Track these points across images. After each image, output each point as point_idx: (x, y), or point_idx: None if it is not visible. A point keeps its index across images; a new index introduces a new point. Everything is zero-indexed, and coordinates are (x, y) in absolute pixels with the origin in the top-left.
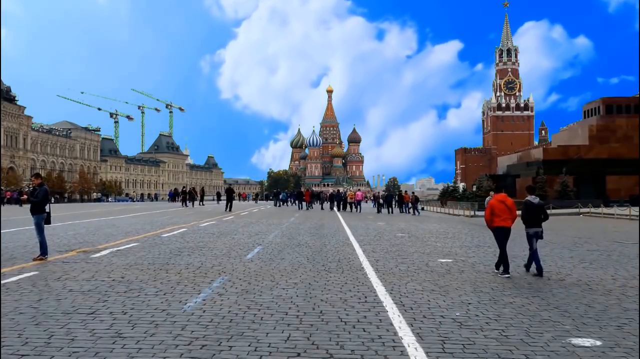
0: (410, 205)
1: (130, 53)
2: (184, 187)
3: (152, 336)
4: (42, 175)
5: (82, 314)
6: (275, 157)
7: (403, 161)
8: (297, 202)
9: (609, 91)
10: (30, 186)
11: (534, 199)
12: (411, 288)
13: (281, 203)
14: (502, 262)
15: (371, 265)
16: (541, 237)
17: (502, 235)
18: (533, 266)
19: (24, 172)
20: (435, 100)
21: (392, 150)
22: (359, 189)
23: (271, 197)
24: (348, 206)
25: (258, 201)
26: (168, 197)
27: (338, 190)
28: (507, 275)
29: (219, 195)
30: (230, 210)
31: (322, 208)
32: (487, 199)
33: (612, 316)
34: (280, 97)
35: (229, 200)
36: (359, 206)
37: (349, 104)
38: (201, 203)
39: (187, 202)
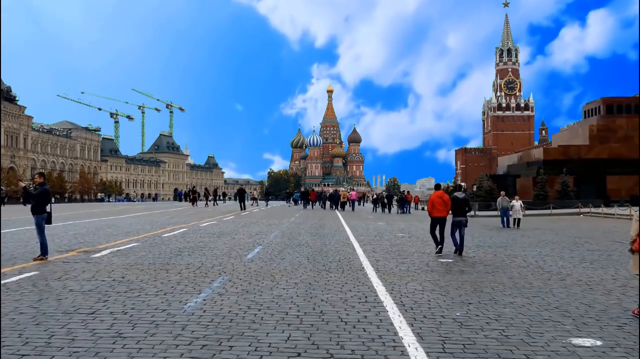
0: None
1: (130, 53)
2: (194, 187)
3: (152, 336)
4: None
5: (82, 314)
6: (314, 105)
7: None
8: (302, 201)
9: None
10: (31, 185)
11: (460, 194)
12: (411, 287)
13: (293, 203)
14: (439, 242)
15: (371, 265)
16: (465, 225)
17: (437, 222)
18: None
19: (24, 172)
20: None
21: (461, 98)
22: (353, 189)
23: (270, 198)
24: (342, 205)
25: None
26: (178, 196)
27: (336, 190)
28: (439, 253)
29: (224, 195)
30: (244, 209)
31: (323, 207)
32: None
33: (613, 316)
34: (324, 4)
35: (242, 200)
36: (352, 205)
37: (416, 21)
38: (215, 203)
39: (207, 201)
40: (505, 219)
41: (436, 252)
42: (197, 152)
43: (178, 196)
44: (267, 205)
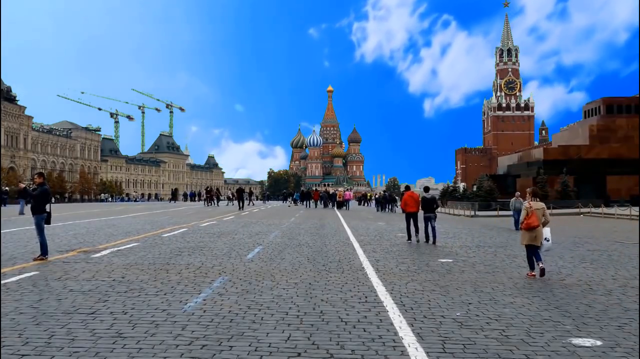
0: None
1: (130, 52)
2: (207, 187)
3: (152, 336)
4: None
5: (82, 314)
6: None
7: None
8: (306, 201)
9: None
10: (31, 185)
11: (428, 195)
12: (412, 287)
13: (293, 203)
14: (414, 233)
15: (371, 265)
16: (434, 219)
17: (410, 217)
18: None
19: (25, 172)
20: None
21: None
22: (348, 190)
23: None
24: (340, 205)
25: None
26: (189, 196)
27: (336, 190)
28: (409, 241)
29: (232, 195)
30: (242, 208)
31: (325, 207)
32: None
33: (613, 316)
34: None
35: (240, 199)
36: (347, 204)
37: None
38: (216, 203)
39: (211, 201)
40: (518, 221)
41: (408, 242)
42: (198, 153)
43: (188, 196)
44: (249, 204)
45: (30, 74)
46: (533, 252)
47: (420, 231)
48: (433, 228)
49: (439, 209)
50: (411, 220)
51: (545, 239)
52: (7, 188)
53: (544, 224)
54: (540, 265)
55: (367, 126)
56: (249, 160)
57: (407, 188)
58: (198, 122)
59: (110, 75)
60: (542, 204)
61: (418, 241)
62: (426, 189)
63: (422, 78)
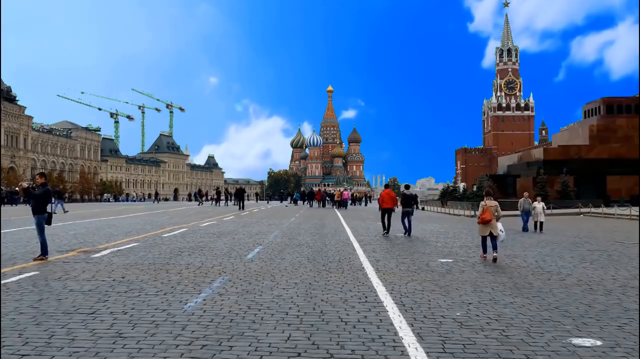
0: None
1: (130, 53)
2: (217, 188)
3: (152, 336)
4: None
5: (82, 314)
6: None
7: None
8: (308, 201)
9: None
10: (32, 185)
11: (407, 191)
12: (412, 287)
13: (293, 204)
14: (387, 228)
15: (371, 265)
16: (412, 214)
17: (386, 212)
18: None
19: (25, 172)
20: None
21: None
22: (346, 190)
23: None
24: (339, 204)
25: (258, 201)
26: (193, 196)
27: (334, 190)
28: (385, 233)
29: (234, 195)
30: (242, 208)
31: (324, 206)
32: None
33: (613, 316)
34: None
35: (241, 199)
36: (344, 204)
37: None
38: (226, 203)
39: (227, 201)
40: (526, 222)
41: (383, 234)
42: (198, 153)
43: (194, 195)
44: (218, 204)
45: (30, 74)
46: (487, 240)
47: (394, 225)
48: (409, 222)
49: (417, 206)
50: (386, 215)
51: (500, 231)
52: (17, 188)
53: (497, 219)
54: (494, 254)
55: (411, 73)
56: (271, 136)
57: (387, 186)
58: (217, 72)
59: (110, 76)
60: (495, 202)
61: (387, 234)
62: (406, 186)
63: (490, 11)
